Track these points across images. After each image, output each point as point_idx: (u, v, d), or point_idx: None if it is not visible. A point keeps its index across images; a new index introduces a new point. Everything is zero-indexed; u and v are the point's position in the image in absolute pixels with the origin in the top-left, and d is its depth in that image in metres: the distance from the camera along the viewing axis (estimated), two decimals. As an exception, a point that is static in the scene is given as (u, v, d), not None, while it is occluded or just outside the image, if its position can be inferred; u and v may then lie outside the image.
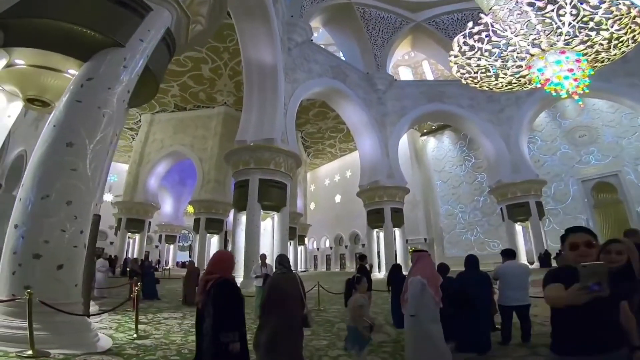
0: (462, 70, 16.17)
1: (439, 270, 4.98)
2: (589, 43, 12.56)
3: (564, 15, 11.62)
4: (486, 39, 14.01)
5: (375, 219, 21.07)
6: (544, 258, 19.11)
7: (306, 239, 36.13)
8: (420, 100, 24.10)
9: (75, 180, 3.96)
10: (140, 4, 5.24)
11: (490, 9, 13.62)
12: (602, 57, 13.52)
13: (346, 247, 37.44)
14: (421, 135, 35.44)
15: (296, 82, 17.97)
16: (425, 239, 30.38)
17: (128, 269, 9.83)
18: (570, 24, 12.06)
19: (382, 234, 20.82)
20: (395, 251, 20.34)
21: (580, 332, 1.53)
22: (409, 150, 32.43)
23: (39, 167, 3.90)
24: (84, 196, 4.02)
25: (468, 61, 15.40)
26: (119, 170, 36.73)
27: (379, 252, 20.97)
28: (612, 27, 11.94)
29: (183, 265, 34.93)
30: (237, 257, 14.49)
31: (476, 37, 13.96)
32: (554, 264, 19.76)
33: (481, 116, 23.93)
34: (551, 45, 12.96)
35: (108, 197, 36.63)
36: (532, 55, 13.62)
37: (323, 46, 24.04)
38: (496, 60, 14.81)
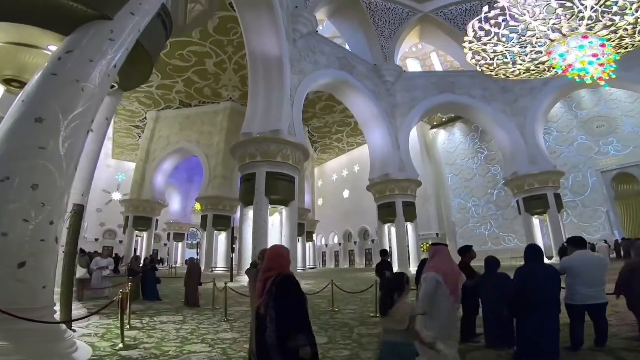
0: (477, 57, 15.42)
1: (487, 265, 4.39)
2: (612, 28, 11.79)
3: (585, -1, 10.88)
4: (503, 24, 13.29)
5: (386, 213, 20.46)
6: (564, 252, 18.27)
7: (314, 235, 35.69)
8: (430, 91, 23.39)
9: (43, 161, 3.37)
10: (132, -26, 4.73)
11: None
12: (626, 43, 12.72)
13: (355, 243, 36.90)
14: (431, 128, 34.60)
15: (302, 73, 17.43)
16: (437, 234, 29.66)
17: (126, 268, 9.30)
18: (592, 7, 11.31)
19: (393, 229, 20.21)
20: (408, 246, 19.74)
21: None
22: (419, 144, 31.66)
23: (1, 145, 3.33)
24: (55, 179, 3.41)
25: (484, 47, 14.68)
26: (127, 169, 36.72)
27: (390, 248, 20.39)
28: (636, 11, 11.15)
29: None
30: (244, 254, 14.09)
31: (492, 21, 13.26)
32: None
33: (494, 106, 23.11)
34: (572, 30, 12.21)
35: (116, 195, 36.79)
36: (552, 41, 12.89)
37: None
38: (514, 46, 14.08)
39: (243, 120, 15.72)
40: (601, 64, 11.39)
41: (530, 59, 14.21)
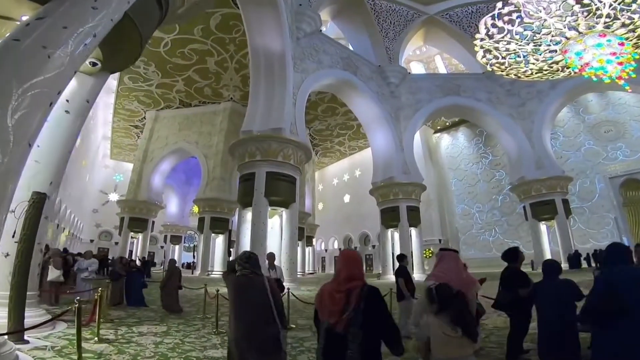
0: (487, 56, 14.94)
1: (546, 270, 3.71)
2: (631, 27, 11.30)
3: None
4: (517, 21, 12.82)
5: (390, 217, 19.83)
6: (574, 259, 17.68)
7: (314, 240, 35.07)
8: (435, 93, 22.95)
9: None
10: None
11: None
12: (645, 43, 12.23)
13: (355, 248, 36.17)
14: (434, 132, 34.10)
15: (305, 72, 16.95)
16: (440, 240, 29.01)
17: (108, 270, 8.39)
18: (610, 5, 10.85)
19: (397, 234, 19.58)
20: (412, 252, 19.08)
21: None
22: (422, 148, 31.10)
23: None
24: (-4, 154, 2.75)
25: (496, 45, 14.19)
26: (125, 170, 36.15)
27: (393, 253, 19.73)
28: (657, 10, 10.68)
29: (188, 266, 34.08)
30: (243, 257, 13.44)
31: (506, 18, 12.79)
32: (584, 265, 18.32)
33: (501, 110, 22.66)
34: (590, 28, 11.73)
35: (114, 196, 36.16)
36: (568, 39, 12.41)
37: (332, 39, 23.03)
38: (527, 44, 13.57)
39: (243, 121, 15.22)
40: (620, 63, 10.90)
41: (544, 58, 13.74)
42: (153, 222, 25.97)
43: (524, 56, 13.62)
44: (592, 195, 24.27)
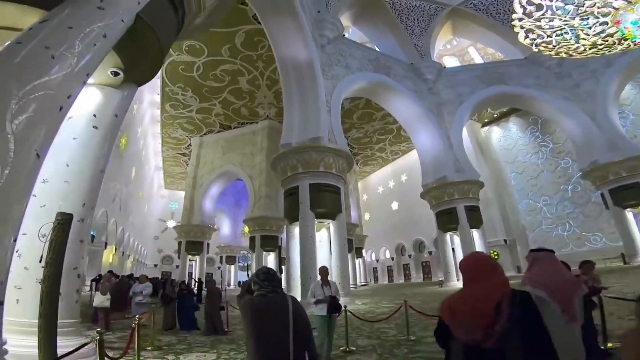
0: (531, 35, 13.57)
1: None
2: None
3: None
4: (556, -7, 11.50)
5: (447, 220, 18.44)
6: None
7: (363, 251, 34.02)
8: (477, 85, 21.43)
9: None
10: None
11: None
12: None
13: (410, 256, 34.45)
14: (482, 126, 31.82)
15: (335, 78, 16.69)
16: (505, 240, 26.48)
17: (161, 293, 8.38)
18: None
19: (457, 238, 18.10)
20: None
21: None
22: (471, 144, 28.99)
23: None
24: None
25: (538, 23, 12.86)
26: (179, 198, 38.37)
27: (455, 259, 18.24)
28: None
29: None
30: (292, 273, 13.11)
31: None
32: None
33: (554, 94, 20.54)
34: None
35: (171, 223, 38.45)
36: (617, 9, 10.90)
37: (358, 43, 22.64)
38: (573, 19, 12.11)
39: (281, 136, 15.22)
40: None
41: (594, 32, 12.11)
42: (208, 245, 26.92)
43: (572, 32, 12.13)
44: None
